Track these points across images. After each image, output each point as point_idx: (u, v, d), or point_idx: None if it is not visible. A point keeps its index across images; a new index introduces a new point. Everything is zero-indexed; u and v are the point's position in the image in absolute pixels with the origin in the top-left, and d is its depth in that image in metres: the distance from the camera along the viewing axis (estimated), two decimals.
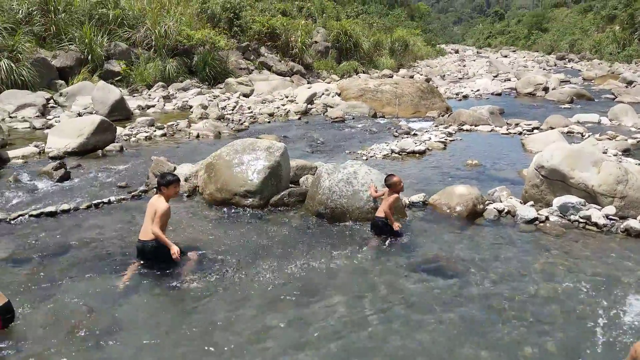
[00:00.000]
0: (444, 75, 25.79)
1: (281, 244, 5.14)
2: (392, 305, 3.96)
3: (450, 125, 11.41)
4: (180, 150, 9.08)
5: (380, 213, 5.26)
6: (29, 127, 10.42)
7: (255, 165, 6.10)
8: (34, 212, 5.64)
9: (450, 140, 10.11)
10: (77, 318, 3.72)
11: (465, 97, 17.93)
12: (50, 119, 11.02)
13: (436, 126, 11.58)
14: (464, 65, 33.41)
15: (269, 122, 12.44)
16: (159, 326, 3.67)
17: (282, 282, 4.33)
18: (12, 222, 5.45)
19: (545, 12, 60.75)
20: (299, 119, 12.89)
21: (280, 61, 20.70)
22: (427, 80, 20.90)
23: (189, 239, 5.13)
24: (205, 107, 13.09)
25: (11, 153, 8.07)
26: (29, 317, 3.71)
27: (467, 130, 11.16)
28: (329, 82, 19.17)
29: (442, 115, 12.98)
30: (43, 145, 8.56)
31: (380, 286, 4.26)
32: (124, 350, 3.38)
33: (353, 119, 12.88)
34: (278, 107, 13.91)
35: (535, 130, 10.83)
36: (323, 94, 15.46)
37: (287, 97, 15.44)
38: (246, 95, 15.69)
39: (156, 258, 4.44)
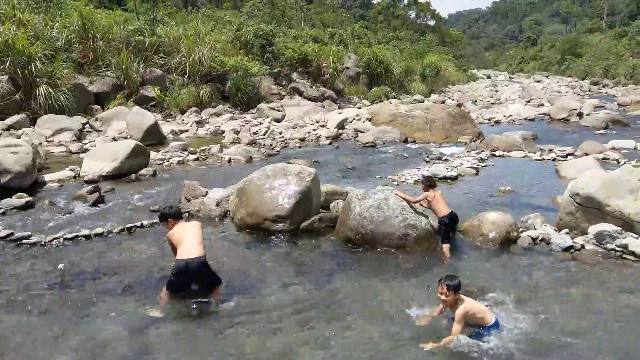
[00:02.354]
0: (476, 101, 25.54)
1: (311, 269, 5.08)
2: (422, 334, 3.81)
3: (482, 151, 11.21)
4: (212, 174, 9.21)
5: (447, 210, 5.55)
6: (65, 151, 10.77)
7: (286, 190, 6.10)
8: (69, 235, 5.77)
9: (483, 166, 9.91)
10: (109, 341, 3.74)
11: (498, 122, 17.67)
12: (86, 144, 11.41)
13: (468, 152, 11.39)
14: (496, 91, 33.02)
15: (300, 147, 12.54)
16: (189, 351, 3.65)
17: (312, 307, 4.26)
18: (48, 245, 5.58)
19: (579, 37, 59.80)
20: (330, 143, 12.94)
21: (312, 87, 20.99)
22: (459, 105, 20.72)
23: (219, 262, 5.13)
24: (237, 132, 13.32)
25: (48, 177, 8.34)
26: (62, 339, 3.75)
27: (499, 156, 10.94)
28: (359, 108, 19.27)
29: (474, 141, 12.79)
30: (78, 169, 8.83)
31: (410, 315, 4.11)
32: None
33: (384, 144, 12.84)
34: (309, 132, 14.02)
35: (569, 157, 10.55)
36: (354, 119, 15.52)
37: (318, 122, 15.57)
38: (278, 121, 15.91)
39: (203, 274, 4.35)
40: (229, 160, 10.33)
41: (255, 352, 3.63)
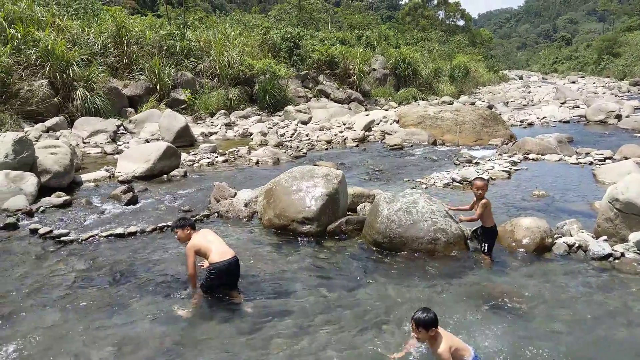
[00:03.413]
0: (508, 102, 24.99)
1: (338, 272, 5.07)
2: None
3: (514, 154, 10.94)
4: (240, 176, 9.31)
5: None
6: (101, 152, 11.11)
7: (313, 192, 6.11)
8: (104, 234, 5.96)
9: (515, 170, 9.67)
10: (142, 338, 3.82)
11: (531, 124, 17.23)
12: (120, 145, 11.73)
13: (499, 154, 11.14)
14: (529, 92, 32.23)
15: (326, 149, 12.54)
16: (218, 349, 3.69)
17: (339, 310, 4.25)
18: (84, 242, 5.76)
19: (617, 35, 57.69)
20: (357, 146, 12.90)
21: (339, 89, 20.99)
22: (490, 107, 20.32)
23: (247, 263, 5.18)
24: (264, 134, 13.44)
25: (84, 176, 8.62)
26: (98, 335, 3.86)
27: (533, 159, 10.65)
28: (386, 110, 19.15)
29: (506, 144, 12.51)
30: (113, 169, 9.09)
31: (444, 321, 4.03)
32: None
33: (412, 146, 12.70)
34: (336, 135, 14.01)
35: (607, 160, 10.19)
36: (381, 121, 15.42)
37: (344, 124, 15.54)
38: (304, 123, 15.97)
39: (237, 273, 4.56)
40: (257, 162, 10.43)
41: (282, 352, 3.64)
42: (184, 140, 12.04)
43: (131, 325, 4.02)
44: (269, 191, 6.49)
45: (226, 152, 11.08)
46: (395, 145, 12.55)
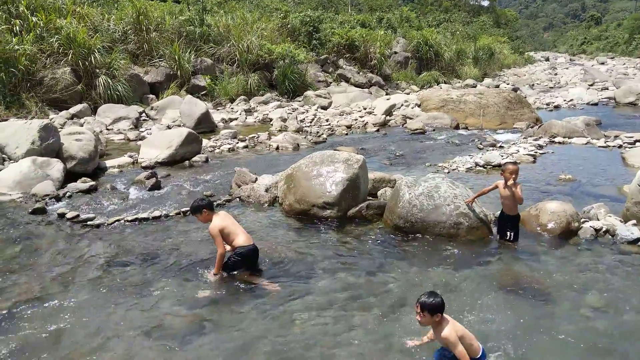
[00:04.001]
0: (533, 85, 24.36)
1: (359, 256, 5.06)
2: (471, 328, 3.69)
3: (540, 137, 10.67)
4: (260, 161, 9.34)
5: None
6: (124, 139, 11.26)
7: (334, 177, 6.08)
8: (129, 218, 6.07)
9: (541, 153, 9.45)
10: (167, 318, 3.91)
11: (557, 107, 16.77)
12: (142, 131, 11.86)
13: (525, 138, 10.89)
14: (556, 74, 31.32)
15: (346, 134, 12.46)
16: (240, 328, 3.74)
17: (360, 294, 4.25)
18: (110, 226, 5.89)
19: None
20: (377, 130, 12.77)
21: (359, 73, 20.75)
22: (515, 89, 19.82)
23: (269, 247, 5.21)
24: (284, 120, 13.41)
25: (108, 162, 8.78)
26: (125, 315, 3.95)
27: (559, 142, 10.37)
28: (408, 93, 18.87)
29: (532, 127, 12.21)
30: (136, 155, 9.22)
31: (462, 306, 3.99)
32: (205, 353, 3.46)
33: (434, 130, 12.51)
34: (356, 119, 13.89)
35: (637, 143, 9.87)
36: (402, 105, 15.21)
37: (365, 108, 15.39)
38: (324, 108, 15.87)
39: (257, 258, 4.71)
40: (277, 148, 10.43)
41: (304, 334, 3.68)
42: (205, 126, 12.11)
43: (157, 306, 4.10)
44: (289, 176, 6.49)
45: (246, 138, 11.11)
46: (416, 129, 12.38)
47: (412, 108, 14.83)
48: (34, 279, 4.59)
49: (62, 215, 6.13)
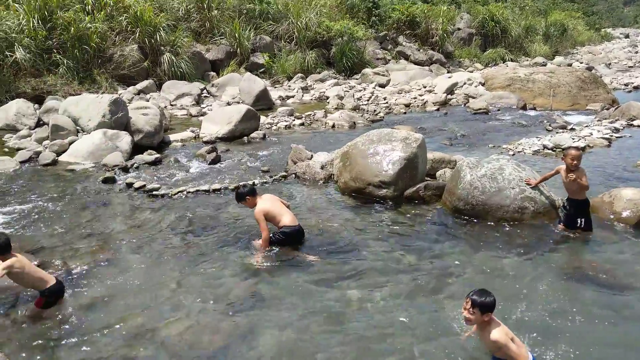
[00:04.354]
0: (610, 63, 22.55)
1: (416, 237, 4.96)
2: (535, 316, 3.51)
3: (616, 120, 9.89)
4: (316, 139, 9.33)
5: None
6: (186, 114, 11.61)
7: (391, 156, 5.95)
8: (191, 189, 6.32)
9: (617, 137, 8.78)
10: (224, 286, 4.05)
11: (637, 88, 15.48)
12: (203, 107, 12.19)
13: (599, 120, 10.13)
14: (636, 52, 28.77)
15: (404, 112, 12.15)
16: (295, 302, 3.80)
17: (413, 274, 4.19)
18: (173, 196, 6.15)
19: None
20: (437, 110, 12.35)
21: (419, 50, 20.07)
22: (589, 68, 18.42)
23: (323, 223, 5.22)
24: (341, 98, 13.28)
25: (172, 137, 9.12)
26: (184, 282, 4.13)
27: (638, 126, 9.56)
28: (471, 72, 18.06)
29: (607, 109, 11.33)
30: (198, 130, 9.49)
31: (530, 294, 3.81)
32: (262, 321, 3.55)
33: (498, 110, 11.93)
34: (415, 98, 13.50)
35: None
36: (465, 83, 14.59)
37: (425, 87, 14.91)
38: (382, 86, 15.54)
39: (301, 239, 4.81)
40: (333, 126, 10.36)
41: (355, 309, 3.70)
42: (263, 103, 12.24)
43: (215, 274, 4.26)
44: (345, 154, 6.43)
45: (303, 115, 11.12)
46: (479, 109, 11.84)
47: (476, 87, 14.19)
48: (105, 242, 4.90)
49: (130, 185, 6.47)
